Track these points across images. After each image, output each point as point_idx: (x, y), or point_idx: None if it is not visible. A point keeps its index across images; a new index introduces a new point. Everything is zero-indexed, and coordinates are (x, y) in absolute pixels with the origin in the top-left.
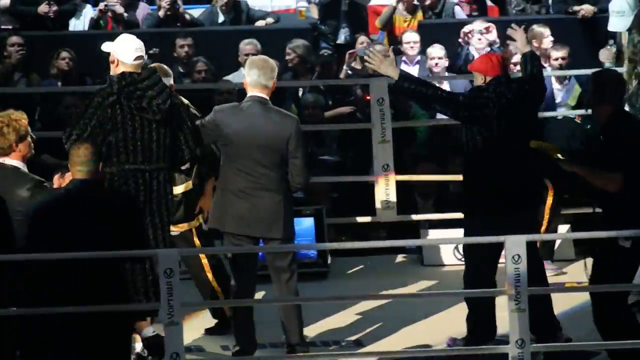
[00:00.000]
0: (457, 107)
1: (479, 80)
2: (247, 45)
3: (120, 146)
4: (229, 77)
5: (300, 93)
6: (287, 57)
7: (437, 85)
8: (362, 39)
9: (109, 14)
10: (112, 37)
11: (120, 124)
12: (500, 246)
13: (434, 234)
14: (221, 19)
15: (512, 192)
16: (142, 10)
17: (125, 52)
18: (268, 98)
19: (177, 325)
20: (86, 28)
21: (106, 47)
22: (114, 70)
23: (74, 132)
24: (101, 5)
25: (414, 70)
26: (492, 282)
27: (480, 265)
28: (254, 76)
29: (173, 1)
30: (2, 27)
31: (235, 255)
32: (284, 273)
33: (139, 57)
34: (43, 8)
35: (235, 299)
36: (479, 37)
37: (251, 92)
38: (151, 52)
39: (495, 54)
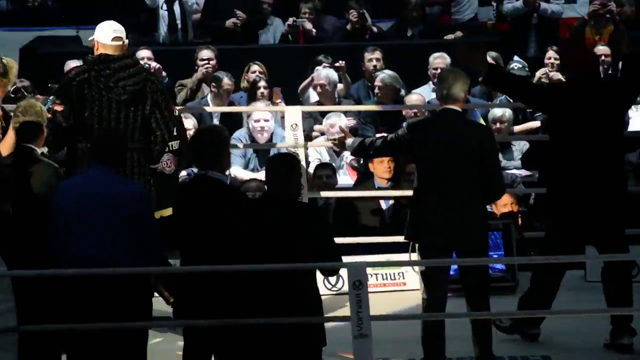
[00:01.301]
0: (528, 99)
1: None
2: (436, 58)
3: (89, 124)
4: (418, 91)
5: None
6: None
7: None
8: (550, 53)
9: (300, 28)
10: (301, 52)
11: (89, 102)
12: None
13: None
14: (410, 32)
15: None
16: (331, 23)
17: (103, 33)
18: (461, 110)
19: (366, 338)
20: (277, 41)
21: (89, 39)
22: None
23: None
24: (290, 21)
25: None
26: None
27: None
28: (445, 89)
29: (362, 14)
30: (195, 40)
31: (427, 267)
32: (476, 286)
33: (116, 38)
34: (230, 23)
35: (425, 312)
36: None
37: (444, 105)
38: (337, 64)
39: (587, 50)
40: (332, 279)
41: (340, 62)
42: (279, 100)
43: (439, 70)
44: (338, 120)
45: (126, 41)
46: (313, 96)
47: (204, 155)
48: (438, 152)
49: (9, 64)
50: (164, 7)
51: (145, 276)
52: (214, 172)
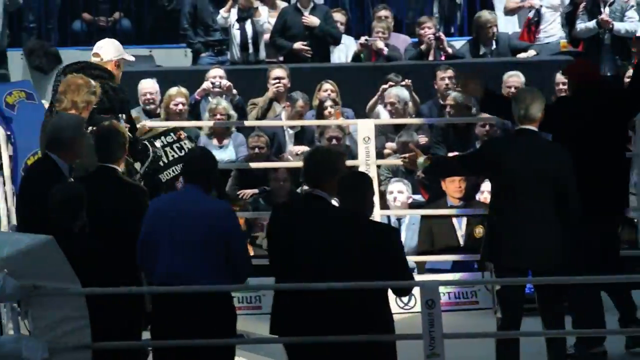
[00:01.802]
0: None
1: (569, 87)
2: (511, 77)
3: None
4: None
5: None
6: (562, 87)
7: None
8: (629, 72)
9: (372, 46)
10: (373, 70)
11: None
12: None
13: None
14: (482, 50)
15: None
16: (403, 42)
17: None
18: (537, 129)
19: (438, 357)
20: (349, 60)
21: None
22: None
23: None
24: (362, 39)
25: None
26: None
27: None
28: (523, 109)
29: (438, 37)
30: (267, 59)
31: (502, 287)
32: (551, 305)
33: (95, 54)
34: (299, 45)
35: (500, 331)
36: None
37: (521, 124)
38: (403, 83)
39: (587, 61)
40: (405, 298)
41: (407, 80)
42: (340, 119)
43: (512, 89)
44: (410, 139)
45: (106, 57)
46: (383, 113)
47: (312, 174)
48: (514, 172)
49: (97, 85)
50: (236, 26)
51: (229, 294)
52: (319, 191)
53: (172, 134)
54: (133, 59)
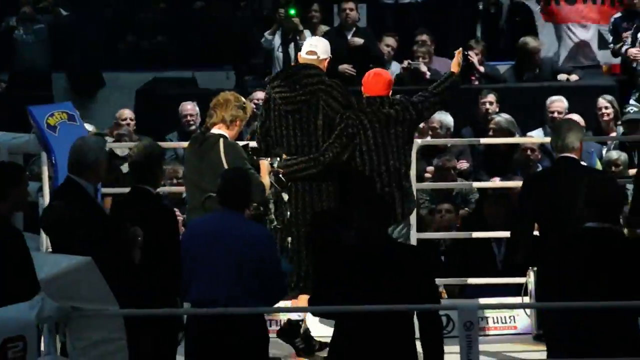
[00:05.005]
0: None
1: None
2: (554, 102)
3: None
4: (532, 134)
5: (604, 150)
6: (604, 111)
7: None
8: None
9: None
10: (414, 93)
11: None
12: None
13: None
14: (525, 75)
15: None
16: (445, 65)
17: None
18: (577, 158)
19: None
20: None
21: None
22: None
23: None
24: (405, 63)
25: None
26: None
27: None
28: (560, 140)
29: (465, 55)
30: None
31: None
32: None
33: (308, 52)
34: (344, 67)
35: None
36: None
37: (560, 154)
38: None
39: (383, 72)
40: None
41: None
42: None
43: (556, 114)
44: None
45: (322, 56)
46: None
47: None
48: (557, 207)
49: (247, 102)
50: (280, 49)
51: (263, 317)
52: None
53: None
54: None
